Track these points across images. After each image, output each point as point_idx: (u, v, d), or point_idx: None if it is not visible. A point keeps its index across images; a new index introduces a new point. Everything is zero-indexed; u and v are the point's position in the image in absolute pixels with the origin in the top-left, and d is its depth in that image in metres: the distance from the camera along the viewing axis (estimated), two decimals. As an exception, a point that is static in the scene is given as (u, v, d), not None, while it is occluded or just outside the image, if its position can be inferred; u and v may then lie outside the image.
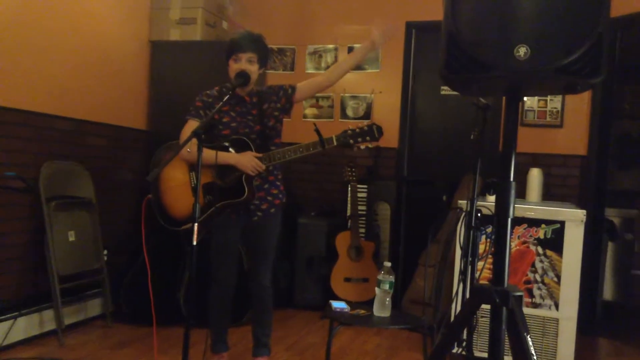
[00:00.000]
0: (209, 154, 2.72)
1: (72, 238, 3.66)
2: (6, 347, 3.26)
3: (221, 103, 2.56)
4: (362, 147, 2.81)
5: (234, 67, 2.90)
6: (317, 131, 2.82)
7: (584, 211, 3.33)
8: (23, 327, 3.39)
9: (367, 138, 2.85)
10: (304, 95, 3.04)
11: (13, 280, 3.43)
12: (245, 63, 2.89)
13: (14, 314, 3.30)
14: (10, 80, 3.34)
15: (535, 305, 3.35)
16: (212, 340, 3.11)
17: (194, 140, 2.37)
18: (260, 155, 2.84)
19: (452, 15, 1.52)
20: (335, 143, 2.84)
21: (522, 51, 1.44)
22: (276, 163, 2.88)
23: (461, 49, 1.50)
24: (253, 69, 2.91)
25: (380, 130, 2.85)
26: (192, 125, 2.86)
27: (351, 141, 2.84)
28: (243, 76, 2.84)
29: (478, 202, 2.46)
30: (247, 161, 2.82)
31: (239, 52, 2.89)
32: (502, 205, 1.62)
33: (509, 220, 1.62)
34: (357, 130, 2.85)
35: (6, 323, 3.27)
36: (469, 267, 2.22)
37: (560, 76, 1.42)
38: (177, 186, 2.90)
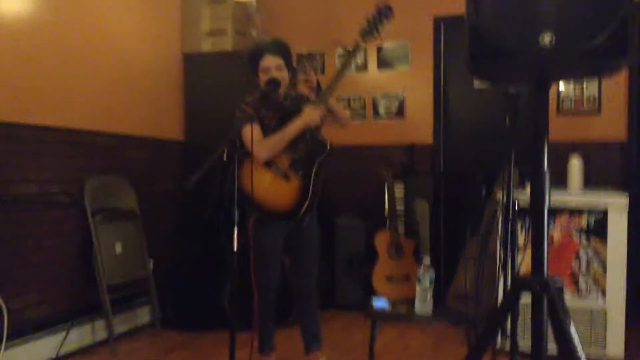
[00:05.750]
0: (280, 138, 2.90)
1: (118, 249, 3.77)
2: (61, 358, 3.38)
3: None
4: (385, 29, 2.87)
5: (264, 79, 2.97)
6: (345, 49, 2.90)
7: (627, 197, 3.25)
8: (76, 337, 3.52)
9: (384, 19, 2.90)
10: None
11: (64, 292, 3.56)
12: (274, 71, 2.95)
13: (67, 325, 3.43)
14: (51, 100, 3.47)
15: (582, 296, 3.29)
16: (259, 342, 3.17)
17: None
18: (314, 103, 2.92)
19: (474, 7, 1.53)
20: (361, 40, 2.90)
21: (546, 38, 1.43)
22: (330, 96, 2.95)
23: (485, 39, 1.51)
24: (284, 75, 2.98)
25: (388, 7, 2.92)
26: (249, 130, 2.89)
27: (374, 32, 2.90)
28: (274, 82, 2.90)
29: (516, 194, 2.44)
30: (310, 114, 2.90)
31: (266, 63, 2.96)
32: (537, 194, 1.61)
33: (545, 209, 1.61)
34: (371, 19, 2.91)
35: (60, 334, 3.40)
36: (509, 259, 2.21)
37: (586, 60, 1.41)
38: (271, 184, 2.96)
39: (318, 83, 3.08)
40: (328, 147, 2.95)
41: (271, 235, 3.06)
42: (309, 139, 2.95)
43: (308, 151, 2.94)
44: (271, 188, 2.95)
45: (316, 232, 3.19)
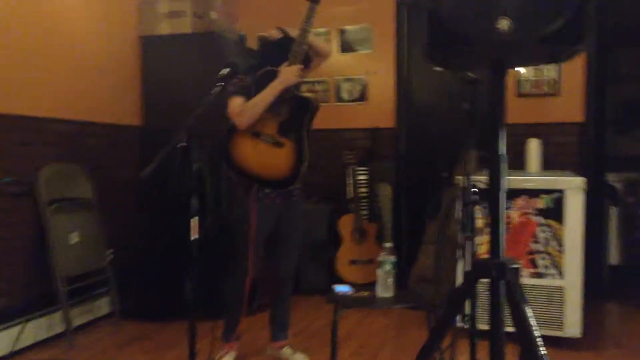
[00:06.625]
0: (258, 100, 2.84)
1: (75, 239, 3.67)
2: (17, 352, 3.28)
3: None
4: None
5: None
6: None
7: (584, 179, 3.31)
8: (32, 331, 3.42)
9: None
10: None
11: (19, 285, 3.45)
12: None
13: (22, 319, 3.33)
14: (2, 86, 3.33)
15: (540, 275, 3.35)
16: (225, 330, 3.12)
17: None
18: (288, 62, 2.90)
19: (432, -9, 1.51)
20: None
21: (503, 23, 1.42)
22: (302, 52, 2.92)
23: (442, 24, 1.49)
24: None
25: None
26: (236, 99, 2.88)
27: None
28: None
29: (475, 177, 2.45)
30: (288, 73, 2.87)
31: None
32: (494, 179, 1.62)
33: (501, 193, 1.62)
34: None
35: (15, 328, 3.29)
36: (466, 242, 2.23)
37: (544, 45, 1.41)
38: (265, 154, 2.91)
39: (287, 35, 3.03)
40: (314, 104, 2.94)
41: (267, 215, 2.99)
42: (291, 99, 2.91)
43: (293, 112, 2.91)
44: (266, 159, 2.90)
45: (301, 220, 3.17)
